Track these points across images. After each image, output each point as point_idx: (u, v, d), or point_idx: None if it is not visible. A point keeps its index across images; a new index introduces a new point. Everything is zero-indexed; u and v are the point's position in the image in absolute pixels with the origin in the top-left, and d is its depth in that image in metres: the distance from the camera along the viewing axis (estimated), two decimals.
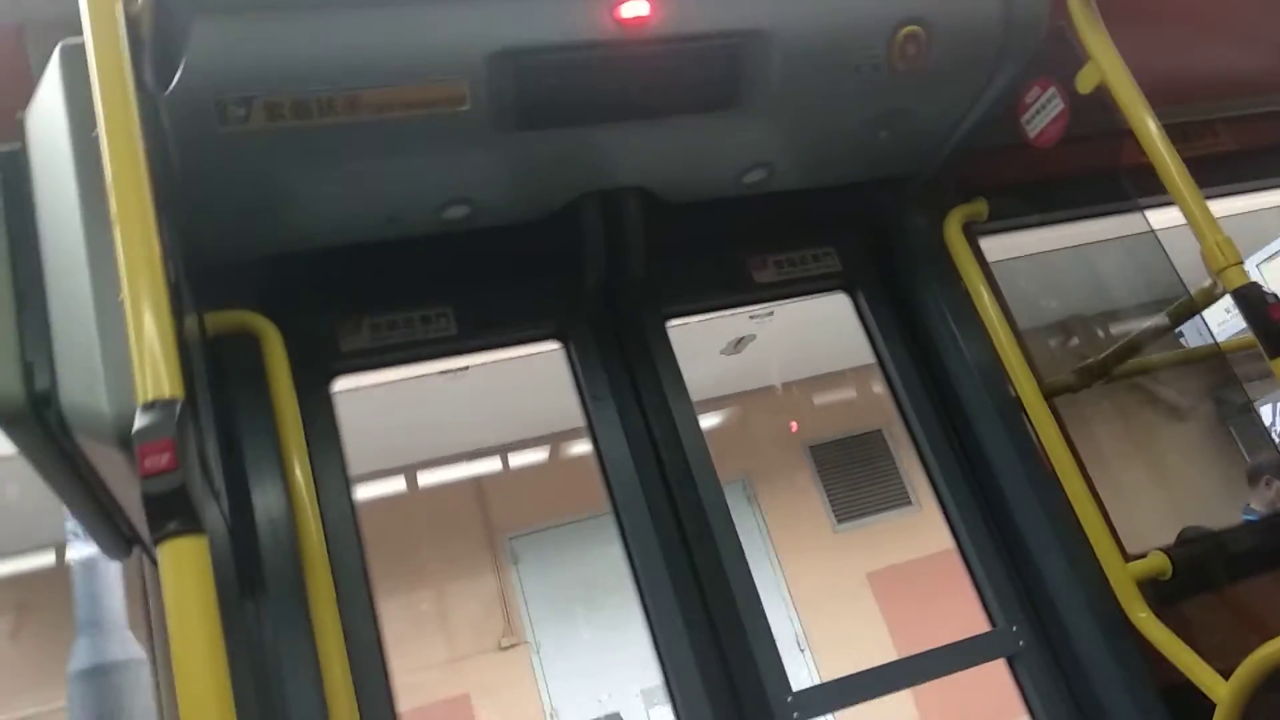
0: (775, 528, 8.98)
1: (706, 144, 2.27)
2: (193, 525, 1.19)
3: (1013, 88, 2.40)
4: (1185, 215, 2.18)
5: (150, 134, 1.53)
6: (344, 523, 2.15)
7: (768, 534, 8.93)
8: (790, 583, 8.83)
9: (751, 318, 6.80)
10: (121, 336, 1.33)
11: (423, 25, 1.88)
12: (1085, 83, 2.33)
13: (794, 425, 9.35)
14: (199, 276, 1.96)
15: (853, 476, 9.33)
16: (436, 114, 1.94)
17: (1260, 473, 4.85)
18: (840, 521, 9.23)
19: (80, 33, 1.56)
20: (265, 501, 2.04)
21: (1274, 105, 3.12)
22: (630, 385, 2.48)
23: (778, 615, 7.94)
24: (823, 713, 2.24)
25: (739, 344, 7.35)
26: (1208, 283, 2.20)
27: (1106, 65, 2.26)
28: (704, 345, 7.09)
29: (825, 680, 2.30)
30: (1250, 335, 2.08)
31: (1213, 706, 2.02)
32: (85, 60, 1.52)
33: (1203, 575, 2.35)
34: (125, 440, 1.37)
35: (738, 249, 2.67)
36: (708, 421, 8.20)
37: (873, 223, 2.73)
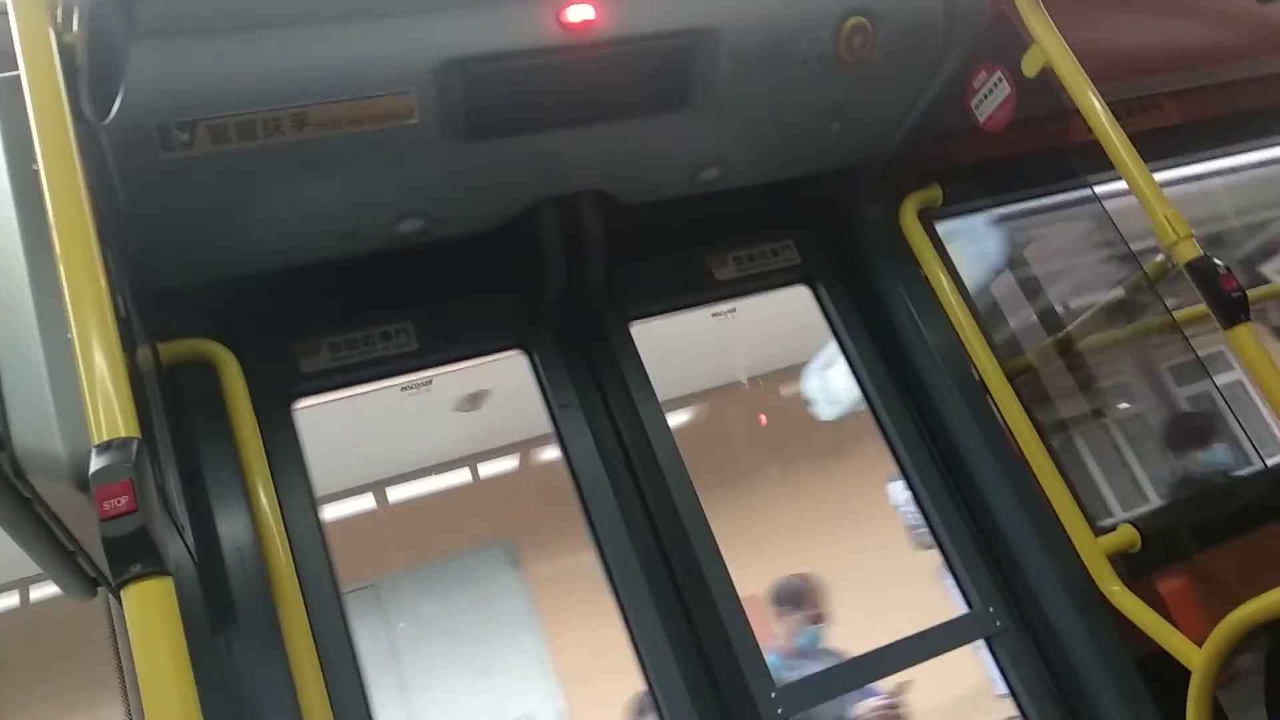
0: (542, 593, 8.05)
1: (660, 144, 2.27)
2: (156, 567, 1.16)
3: (959, 74, 2.42)
4: (1133, 190, 2.21)
5: (92, 165, 1.50)
6: (313, 546, 2.11)
7: (533, 601, 8.09)
8: (555, 653, 7.96)
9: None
10: (72, 375, 1.29)
11: (366, 39, 1.86)
12: (1030, 65, 2.35)
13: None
14: (151, 305, 1.92)
15: None
16: (385, 128, 1.91)
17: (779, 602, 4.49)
18: None
19: (14, 66, 1.52)
20: (231, 530, 2.01)
21: (1218, 77, 3.17)
22: (597, 391, 2.47)
23: (536, 690, 7.54)
24: (806, 707, 2.24)
25: (475, 399, 6.51)
26: (1160, 257, 2.24)
27: (1050, 47, 2.29)
28: (433, 404, 6.08)
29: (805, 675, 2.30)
30: (1204, 307, 2.11)
31: (1188, 674, 2.05)
32: (21, 93, 1.49)
33: (1172, 545, 2.38)
34: (82, 483, 1.33)
35: (697, 247, 2.66)
36: (459, 478, 7.50)
37: (829, 214, 2.74)
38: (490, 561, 8.09)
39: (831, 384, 5.48)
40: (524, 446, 7.80)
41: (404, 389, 2.48)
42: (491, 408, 6.42)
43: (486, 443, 7.33)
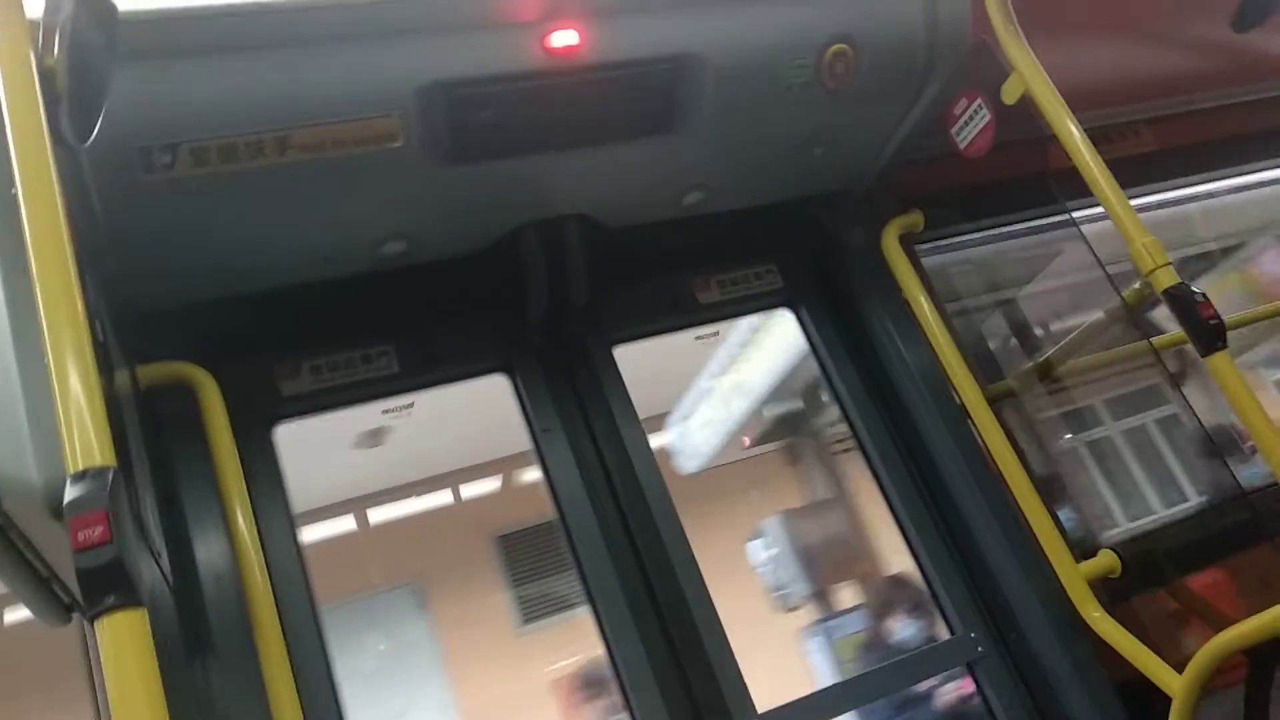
0: (450, 635, 8.00)
1: (644, 169, 2.27)
2: (130, 598, 1.14)
3: (940, 101, 2.44)
4: (1111, 217, 2.22)
5: (71, 187, 1.48)
6: (291, 572, 2.09)
7: (439, 644, 8.00)
8: (463, 696, 7.87)
9: (385, 411, 5.55)
10: (48, 402, 1.28)
11: (350, 62, 1.85)
12: (1010, 93, 2.38)
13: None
14: (130, 328, 1.91)
15: (543, 567, 8.22)
16: (369, 151, 1.91)
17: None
18: (527, 621, 8.20)
19: None
20: (209, 555, 1.99)
21: (1194, 104, 3.21)
22: (580, 414, 2.46)
23: None
24: None
25: (376, 435, 6.26)
26: (1138, 284, 2.25)
27: (1029, 75, 2.31)
28: (330, 437, 5.87)
29: (788, 700, 2.28)
30: (1181, 333, 2.13)
31: (1169, 700, 2.06)
32: (0, 116, 1.47)
33: (1152, 571, 2.39)
34: (56, 511, 1.32)
35: (680, 271, 2.67)
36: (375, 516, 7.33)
37: (812, 238, 2.76)
38: (398, 603, 8.04)
39: (692, 435, 5.35)
40: (432, 485, 7.65)
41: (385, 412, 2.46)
42: (393, 445, 6.28)
43: (387, 481, 7.08)
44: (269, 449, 2.21)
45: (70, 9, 1.48)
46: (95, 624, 1.13)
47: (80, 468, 1.20)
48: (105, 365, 1.39)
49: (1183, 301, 2.10)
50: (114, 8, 1.52)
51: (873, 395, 2.67)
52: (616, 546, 2.35)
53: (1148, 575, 2.37)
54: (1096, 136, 2.29)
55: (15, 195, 1.41)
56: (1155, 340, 2.61)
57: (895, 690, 2.36)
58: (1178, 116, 3.18)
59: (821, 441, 5.19)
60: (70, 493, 1.17)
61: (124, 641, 1.13)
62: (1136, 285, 2.27)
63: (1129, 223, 2.18)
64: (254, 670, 1.84)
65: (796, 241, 2.76)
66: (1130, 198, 2.23)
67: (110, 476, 1.18)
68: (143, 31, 1.67)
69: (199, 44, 1.75)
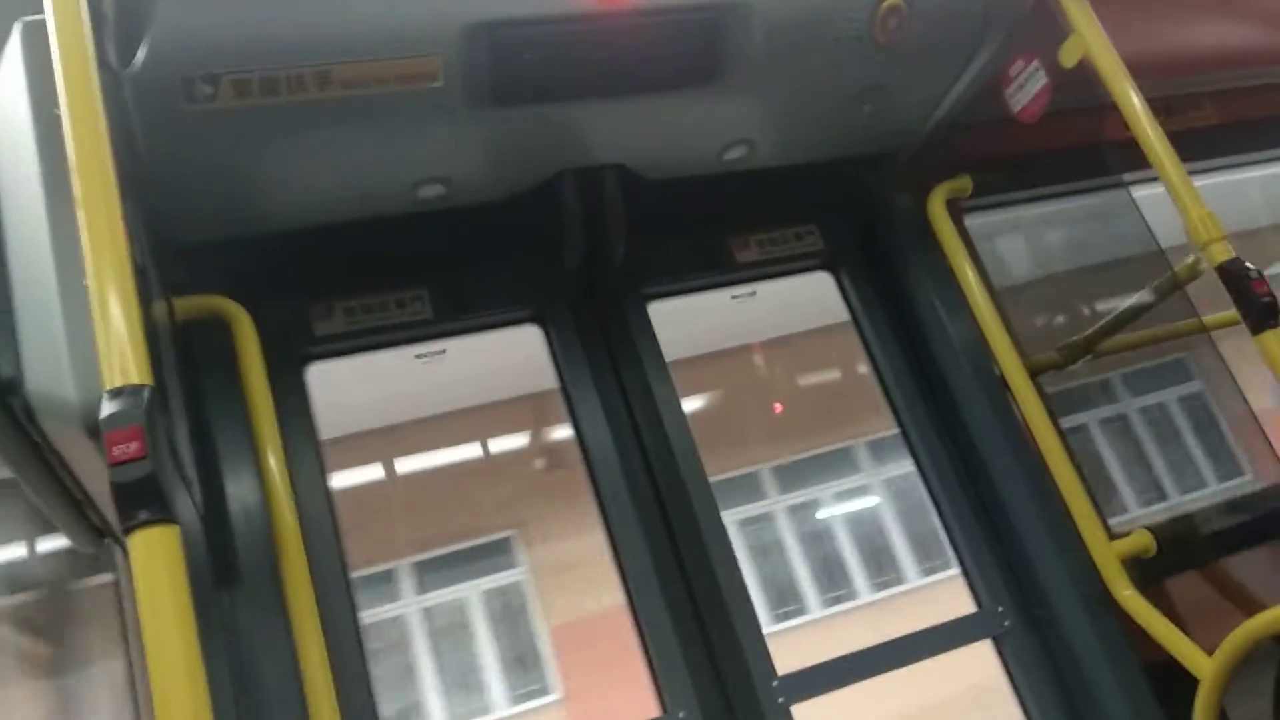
0: None
1: (686, 120, 2.23)
2: (164, 514, 1.15)
3: (996, 62, 2.37)
4: (1169, 190, 2.16)
5: (114, 113, 1.48)
6: (319, 510, 2.11)
7: None
8: None
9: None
10: (87, 322, 1.28)
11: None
12: (1069, 56, 2.31)
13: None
14: (168, 260, 1.91)
15: None
16: (410, 90, 1.89)
17: None
18: None
19: (41, 10, 1.50)
20: (239, 489, 2.00)
21: (1260, 79, 3.11)
22: (611, 369, 2.45)
23: None
24: (809, 696, 2.22)
25: None
26: (1191, 258, 2.19)
27: (1090, 38, 2.24)
28: None
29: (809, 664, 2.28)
30: (1234, 311, 2.08)
31: (1196, 682, 2.03)
32: (46, 38, 1.47)
33: (1186, 553, 2.35)
34: (92, 428, 1.33)
35: (719, 227, 2.63)
36: None
37: (856, 200, 2.71)
38: None
39: None
40: None
41: (418, 356, 2.47)
42: None
43: None
44: (300, 387, 2.22)
45: None
46: (129, 538, 1.14)
47: (117, 385, 1.20)
48: (144, 291, 1.39)
49: (1236, 276, 2.04)
50: None
51: (910, 363, 2.63)
52: (643, 503, 2.34)
53: (1182, 557, 2.33)
54: (1156, 107, 2.22)
55: (59, 116, 1.42)
56: (1207, 318, 2.54)
57: (917, 659, 2.33)
58: (1244, 91, 3.08)
59: None
60: (107, 408, 1.18)
61: (156, 556, 1.14)
62: (1189, 260, 2.21)
63: (1186, 194, 2.12)
64: (279, 605, 1.85)
65: (839, 203, 2.71)
66: (1189, 172, 2.17)
67: (146, 394, 1.19)
68: None
69: None
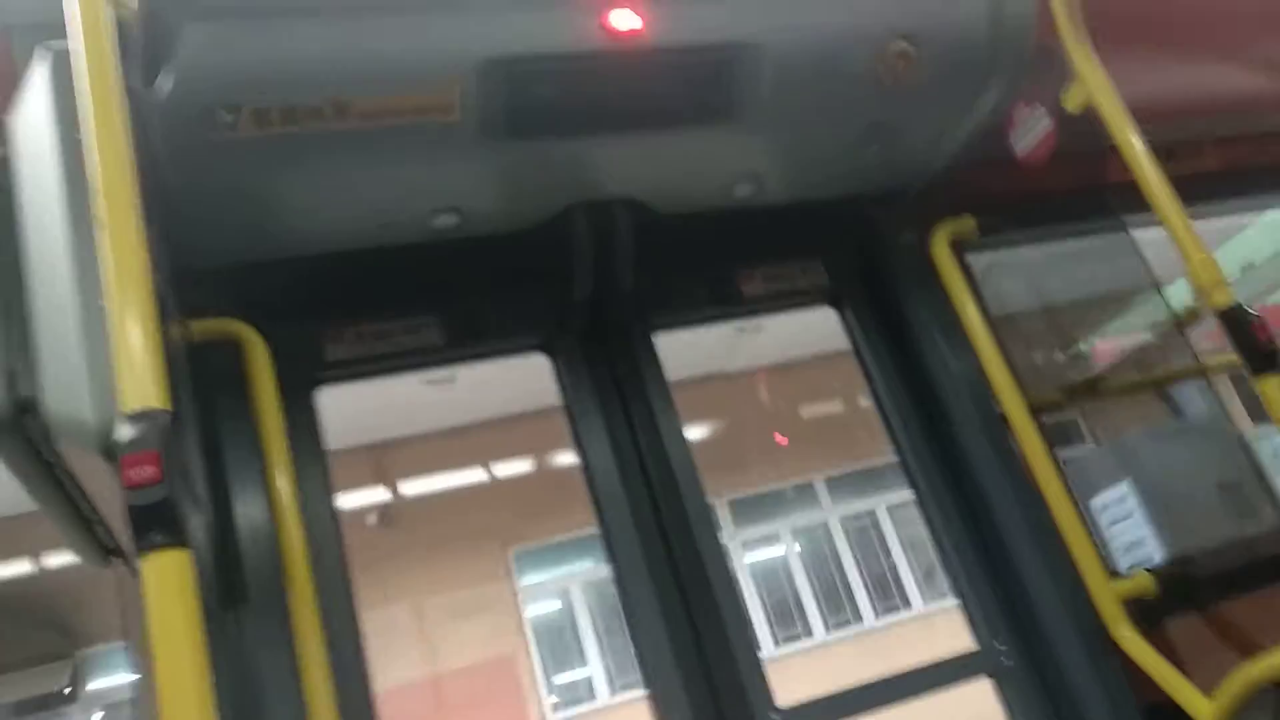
0: None
1: (697, 156, 2.27)
2: (177, 538, 1.17)
3: (1001, 106, 2.41)
4: (1170, 234, 2.19)
5: (137, 139, 1.51)
6: (327, 533, 2.12)
7: None
8: None
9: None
10: (104, 344, 1.31)
11: (413, 33, 1.87)
12: (1072, 101, 2.35)
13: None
14: (184, 282, 1.94)
15: None
16: (425, 122, 1.93)
17: None
18: None
19: (65, 35, 1.54)
20: (247, 510, 2.02)
21: (1263, 126, 3.15)
22: (618, 399, 2.47)
23: None
24: None
25: None
26: (1191, 303, 2.22)
27: (1093, 84, 2.28)
28: None
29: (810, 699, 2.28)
30: (1234, 355, 2.10)
31: None
32: (71, 64, 1.51)
33: (1187, 594, 2.35)
34: (109, 451, 1.35)
35: (726, 262, 2.66)
36: None
37: (861, 237, 2.74)
38: None
39: None
40: None
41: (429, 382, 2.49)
42: None
43: None
44: (310, 411, 2.24)
45: None
46: (141, 560, 1.15)
47: (135, 409, 1.22)
48: (162, 314, 1.42)
49: (1237, 321, 2.06)
50: None
51: (912, 399, 2.65)
52: (646, 532, 2.36)
53: (1182, 598, 2.34)
54: (1158, 151, 2.25)
55: (82, 141, 1.45)
56: (1207, 361, 2.56)
57: (916, 695, 2.33)
58: (1246, 137, 3.11)
59: None
60: (124, 432, 1.20)
61: (168, 580, 1.16)
62: (1190, 304, 2.24)
63: (1187, 239, 2.15)
64: (286, 627, 1.86)
65: (845, 240, 2.75)
66: (1191, 217, 2.20)
67: (164, 419, 1.21)
68: None
69: (268, 7, 1.77)
